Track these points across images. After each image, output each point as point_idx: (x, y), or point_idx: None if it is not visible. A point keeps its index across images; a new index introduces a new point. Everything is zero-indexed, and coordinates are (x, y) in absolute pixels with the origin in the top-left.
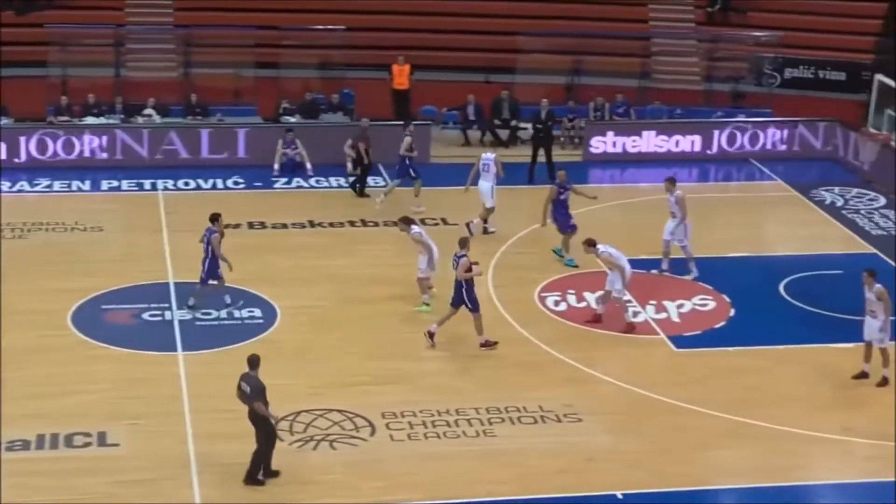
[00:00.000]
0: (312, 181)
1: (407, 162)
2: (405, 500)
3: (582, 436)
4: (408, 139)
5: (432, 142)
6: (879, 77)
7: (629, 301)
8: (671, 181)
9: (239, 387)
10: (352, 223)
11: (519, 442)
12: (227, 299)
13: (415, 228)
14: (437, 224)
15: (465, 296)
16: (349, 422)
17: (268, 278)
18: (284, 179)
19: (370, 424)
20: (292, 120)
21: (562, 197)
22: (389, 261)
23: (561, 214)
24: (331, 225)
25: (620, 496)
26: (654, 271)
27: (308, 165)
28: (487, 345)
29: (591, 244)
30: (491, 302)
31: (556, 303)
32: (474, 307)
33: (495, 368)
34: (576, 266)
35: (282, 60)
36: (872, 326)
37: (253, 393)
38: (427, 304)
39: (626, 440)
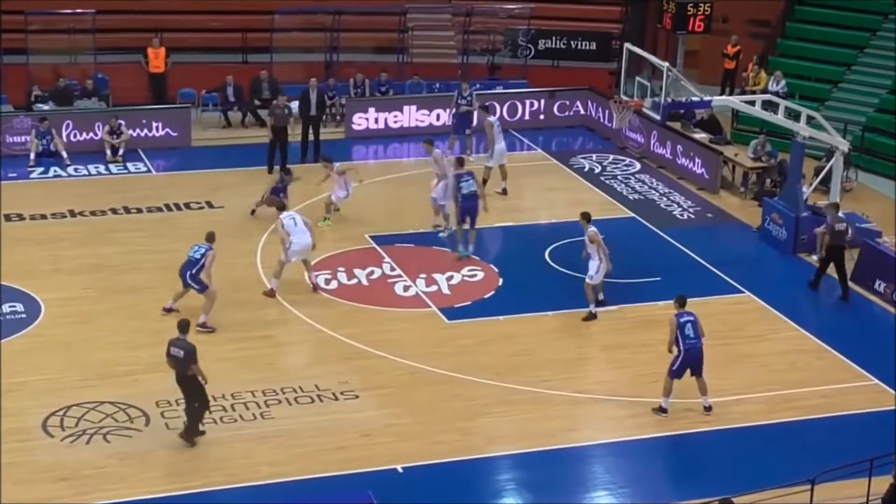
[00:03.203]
0: (70, 170)
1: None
2: (184, 489)
3: (359, 412)
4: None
5: (193, 125)
6: (628, 45)
7: (317, 270)
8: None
9: (169, 352)
10: (114, 211)
11: (296, 422)
12: None
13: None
14: (202, 208)
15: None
16: (122, 413)
17: (29, 271)
18: (41, 169)
19: (144, 414)
20: (45, 108)
21: None
22: (149, 247)
23: None
24: (92, 214)
25: (401, 470)
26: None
27: (65, 154)
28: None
29: (278, 208)
30: (261, 282)
31: (328, 281)
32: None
33: (269, 350)
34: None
35: (30, 46)
36: (591, 267)
37: (187, 356)
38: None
39: (402, 413)
